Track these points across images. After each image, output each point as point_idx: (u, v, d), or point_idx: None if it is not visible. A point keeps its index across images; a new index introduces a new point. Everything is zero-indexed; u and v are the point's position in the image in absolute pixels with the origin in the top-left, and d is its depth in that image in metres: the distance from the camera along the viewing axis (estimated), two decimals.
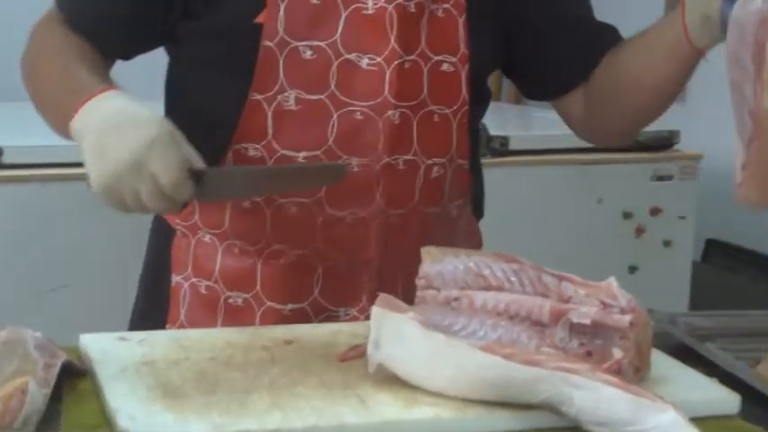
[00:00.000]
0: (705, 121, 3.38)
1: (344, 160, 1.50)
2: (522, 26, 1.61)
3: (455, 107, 1.55)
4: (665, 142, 3.20)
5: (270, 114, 1.49)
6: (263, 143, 1.50)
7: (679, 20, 1.46)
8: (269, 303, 1.56)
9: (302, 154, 1.50)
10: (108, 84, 1.44)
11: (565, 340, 1.26)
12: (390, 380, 1.23)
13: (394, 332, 1.21)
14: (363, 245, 1.54)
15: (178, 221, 1.59)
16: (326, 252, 1.54)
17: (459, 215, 1.64)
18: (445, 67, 1.53)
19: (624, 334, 1.24)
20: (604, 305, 1.25)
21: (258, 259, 1.55)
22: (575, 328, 1.26)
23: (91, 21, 1.54)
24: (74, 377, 1.28)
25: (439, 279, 1.32)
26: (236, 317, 1.56)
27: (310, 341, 1.37)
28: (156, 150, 1.33)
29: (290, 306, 1.56)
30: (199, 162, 1.38)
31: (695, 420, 1.19)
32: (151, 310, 1.63)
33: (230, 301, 1.57)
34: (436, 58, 1.52)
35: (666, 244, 3.17)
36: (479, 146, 1.72)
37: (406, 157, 1.53)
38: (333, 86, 1.49)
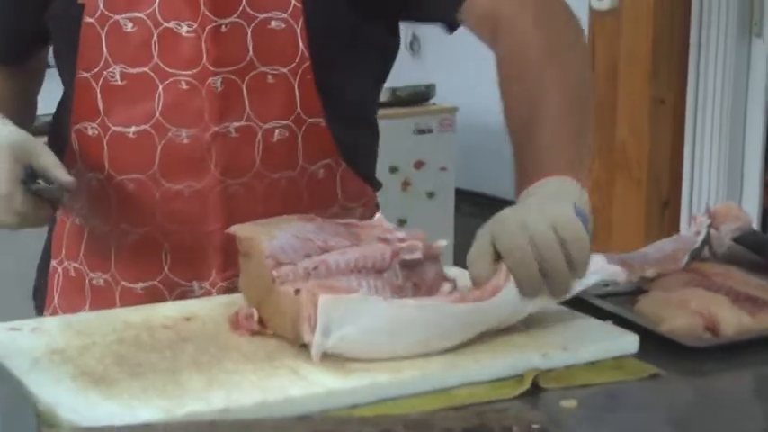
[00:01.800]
0: (454, 76, 3.52)
1: (174, 132, 1.47)
2: None
3: (292, 65, 1.49)
4: (422, 96, 3.30)
5: (99, 91, 1.48)
6: (97, 121, 1.49)
7: None
8: (123, 282, 1.54)
9: (132, 129, 1.48)
10: None
11: (399, 278, 1.32)
12: (306, 350, 1.24)
13: (347, 313, 1.21)
14: (204, 217, 1.51)
15: None
16: (168, 227, 1.52)
17: (329, 175, 1.59)
18: (274, 24, 1.48)
19: (436, 258, 1.35)
20: (400, 239, 1.34)
21: (111, 239, 1.52)
22: (403, 265, 1.33)
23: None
24: None
25: (283, 254, 1.31)
26: (101, 298, 1.54)
27: (210, 316, 1.35)
28: None
29: (141, 284, 1.54)
30: (57, 173, 1.38)
31: (598, 362, 1.28)
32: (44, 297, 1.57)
33: (93, 282, 1.55)
34: (262, 16, 1.47)
35: (430, 195, 3.28)
36: (369, 100, 1.67)
37: (237, 123, 1.49)
38: (156, 57, 1.46)
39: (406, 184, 3.24)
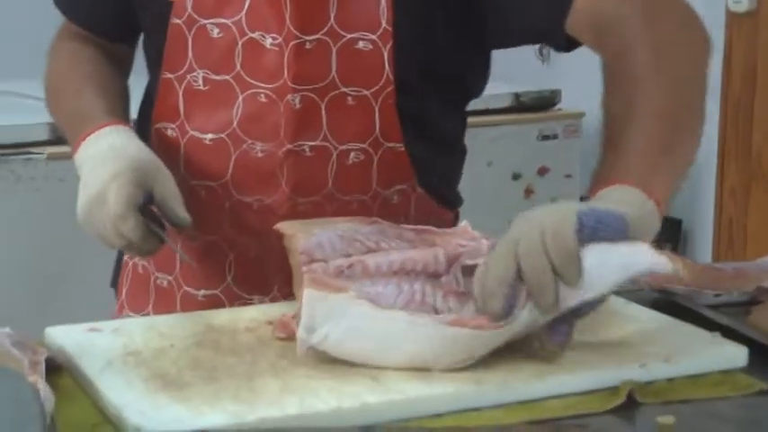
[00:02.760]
0: (582, 81, 3.42)
1: (248, 144, 1.43)
2: None
3: (375, 88, 1.42)
4: (547, 102, 3.22)
5: (181, 94, 1.45)
6: (177, 123, 1.47)
7: None
8: (185, 287, 1.53)
9: (209, 136, 1.45)
10: (110, 117, 1.43)
11: (460, 284, 1.23)
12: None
13: (332, 311, 1.16)
14: (270, 232, 1.40)
15: None
16: (236, 238, 1.49)
17: (403, 201, 1.52)
18: (361, 45, 1.41)
19: None
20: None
21: (177, 241, 1.49)
22: (465, 272, 1.24)
23: (83, 10, 1.57)
24: (50, 374, 1.18)
25: (319, 251, 1.25)
26: (163, 299, 1.53)
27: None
28: (114, 183, 1.32)
29: (202, 292, 1.52)
30: (176, 208, 1.35)
31: (702, 376, 1.20)
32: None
33: (158, 282, 1.54)
34: (350, 36, 1.41)
35: (554, 202, 3.19)
36: (453, 123, 1.59)
37: (312, 143, 1.43)
38: (238, 67, 1.42)
39: (528, 192, 3.16)
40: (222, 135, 1.44)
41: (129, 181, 1.32)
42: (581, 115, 3.25)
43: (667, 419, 1.09)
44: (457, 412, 1.11)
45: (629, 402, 1.14)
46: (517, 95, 3.15)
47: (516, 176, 3.14)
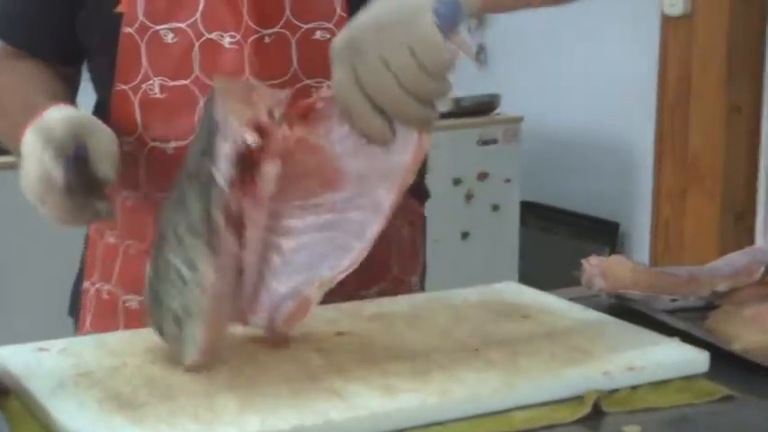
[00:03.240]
0: (520, 86, 3.43)
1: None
2: None
3: None
4: (486, 107, 3.21)
5: (137, 104, 1.40)
6: (135, 136, 1.42)
7: None
8: None
9: (171, 145, 1.41)
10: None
11: None
12: (352, 366, 1.16)
13: None
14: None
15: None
16: None
17: None
18: (319, 35, 1.40)
19: None
20: None
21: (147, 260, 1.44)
22: None
23: (20, 32, 1.50)
24: None
25: None
26: (135, 321, 1.46)
27: (248, 335, 1.27)
28: (38, 144, 1.23)
29: None
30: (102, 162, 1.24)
31: (664, 383, 1.18)
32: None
33: (127, 304, 1.48)
34: (306, 26, 1.40)
35: (494, 208, 3.19)
36: None
37: None
38: (197, 70, 1.39)
39: (469, 197, 3.15)
40: (186, 142, 1.39)
41: (62, 130, 1.22)
42: (520, 120, 3.25)
43: (633, 429, 1.09)
44: (422, 426, 1.08)
45: (595, 412, 1.12)
46: (457, 100, 3.14)
47: (457, 182, 3.13)
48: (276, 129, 1.16)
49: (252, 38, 1.37)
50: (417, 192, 1.55)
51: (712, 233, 3.44)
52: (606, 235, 3.68)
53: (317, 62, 1.38)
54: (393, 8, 1.13)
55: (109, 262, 1.48)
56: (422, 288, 1.63)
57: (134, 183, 1.43)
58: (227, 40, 1.37)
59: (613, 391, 1.16)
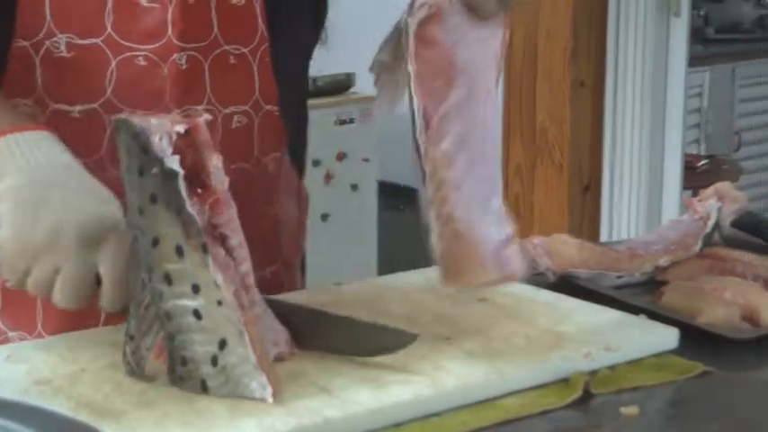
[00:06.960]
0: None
1: (127, 112, 1.30)
2: None
3: (252, 45, 1.35)
4: (342, 86, 3.17)
5: (38, 63, 1.29)
6: (33, 97, 1.30)
7: None
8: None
9: (77, 108, 1.30)
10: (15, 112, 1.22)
11: None
12: (329, 360, 1.11)
13: None
14: None
15: None
16: None
17: (276, 169, 1.44)
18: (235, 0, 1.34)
19: None
20: None
21: None
22: None
23: None
24: None
25: None
26: (58, 311, 1.33)
27: None
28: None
29: None
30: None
31: (638, 361, 1.17)
32: None
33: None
34: None
35: (354, 188, 3.15)
36: (305, 89, 1.54)
37: (198, 107, 1.32)
38: (109, 28, 1.29)
39: (328, 177, 3.10)
40: (94, 105, 1.29)
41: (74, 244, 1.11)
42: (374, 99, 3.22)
43: (631, 410, 1.07)
44: (418, 419, 1.04)
45: (583, 394, 1.10)
46: (314, 79, 3.09)
47: (316, 163, 3.08)
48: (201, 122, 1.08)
49: None
50: (297, 161, 1.51)
51: (561, 205, 3.49)
52: None
53: (235, 27, 1.33)
54: None
55: None
56: (302, 272, 1.58)
57: None
58: None
59: (593, 372, 1.14)
